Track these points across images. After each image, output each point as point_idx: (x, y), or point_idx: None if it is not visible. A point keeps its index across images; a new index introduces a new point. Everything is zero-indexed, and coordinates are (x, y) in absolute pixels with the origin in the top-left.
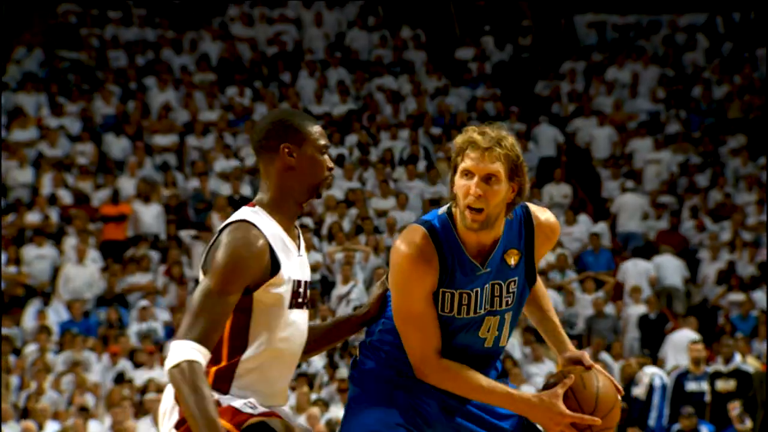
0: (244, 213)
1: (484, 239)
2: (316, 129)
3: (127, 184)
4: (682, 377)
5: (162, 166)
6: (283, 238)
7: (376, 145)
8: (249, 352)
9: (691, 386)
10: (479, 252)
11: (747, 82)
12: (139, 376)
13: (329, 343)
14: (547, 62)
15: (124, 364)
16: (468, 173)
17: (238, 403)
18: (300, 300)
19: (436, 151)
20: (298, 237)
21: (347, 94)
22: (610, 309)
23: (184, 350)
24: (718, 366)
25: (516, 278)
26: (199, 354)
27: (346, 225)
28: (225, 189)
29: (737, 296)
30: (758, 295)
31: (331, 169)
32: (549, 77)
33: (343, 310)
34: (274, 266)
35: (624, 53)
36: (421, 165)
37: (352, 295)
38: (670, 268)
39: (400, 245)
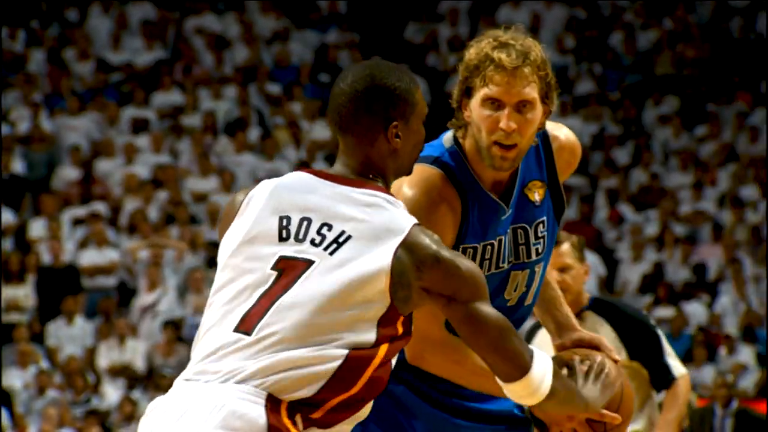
0: (395, 205)
1: (502, 173)
2: (420, 92)
3: None
4: None
5: None
6: None
7: (193, 106)
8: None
9: None
10: (495, 189)
11: (680, 28)
12: None
13: None
14: None
15: None
16: (494, 101)
17: None
18: None
19: (273, 114)
20: None
21: (155, 37)
22: None
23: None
24: None
25: (544, 218)
26: None
27: (153, 213)
28: None
29: (667, 310)
30: (693, 308)
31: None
32: (422, 19)
33: (149, 325)
34: None
35: None
36: (253, 133)
37: (161, 306)
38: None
39: (413, 191)
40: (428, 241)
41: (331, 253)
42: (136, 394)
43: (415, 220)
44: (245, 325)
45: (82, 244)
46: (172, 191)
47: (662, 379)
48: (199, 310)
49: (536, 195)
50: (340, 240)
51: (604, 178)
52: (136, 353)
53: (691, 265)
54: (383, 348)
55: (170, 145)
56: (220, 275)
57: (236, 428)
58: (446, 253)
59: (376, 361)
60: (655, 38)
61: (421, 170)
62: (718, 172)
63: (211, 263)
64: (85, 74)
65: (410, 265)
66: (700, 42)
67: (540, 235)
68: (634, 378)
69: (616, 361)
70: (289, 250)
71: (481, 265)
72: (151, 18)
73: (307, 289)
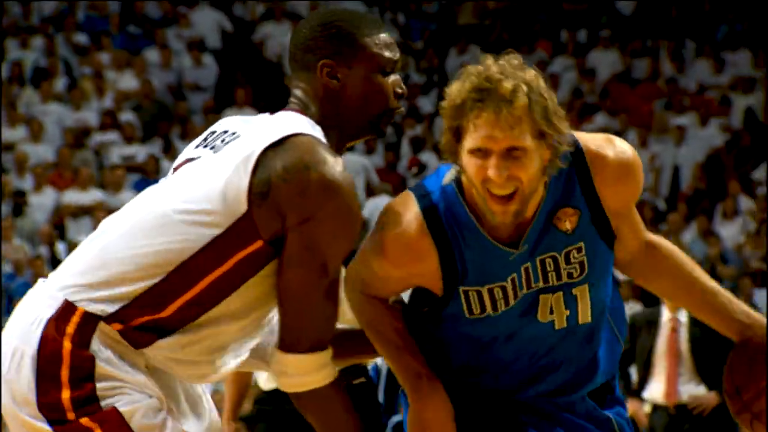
0: (306, 125)
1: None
2: (378, 39)
3: None
4: None
5: None
6: None
7: None
8: None
9: None
10: (503, 229)
11: None
12: None
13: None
14: None
15: None
16: (479, 150)
17: None
18: None
19: (81, 64)
20: None
21: None
22: None
23: None
24: None
25: (580, 244)
26: None
27: None
28: None
29: None
30: None
31: (400, 96)
32: None
33: None
34: None
35: None
36: (60, 83)
37: None
38: None
39: (388, 224)
40: (307, 151)
41: (216, 151)
42: None
43: (302, 131)
44: None
45: None
46: None
47: None
48: (8, 258)
49: (567, 224)
50: (227, 140)
51: (408, 127)
52: None
53: None
54: (227, 264)
55: None
56: None
57: (19, 335)
58: (320, 170)
59: (212, 276)
60: None
61: (404, 201)
62: None
63: (17, 212)
64: None
65: (274, 171)
66: None
67: (573, 260)
68: None
69: None
70: (194, 155)
71: (494, 305)
72: None
73: (168, 186)
